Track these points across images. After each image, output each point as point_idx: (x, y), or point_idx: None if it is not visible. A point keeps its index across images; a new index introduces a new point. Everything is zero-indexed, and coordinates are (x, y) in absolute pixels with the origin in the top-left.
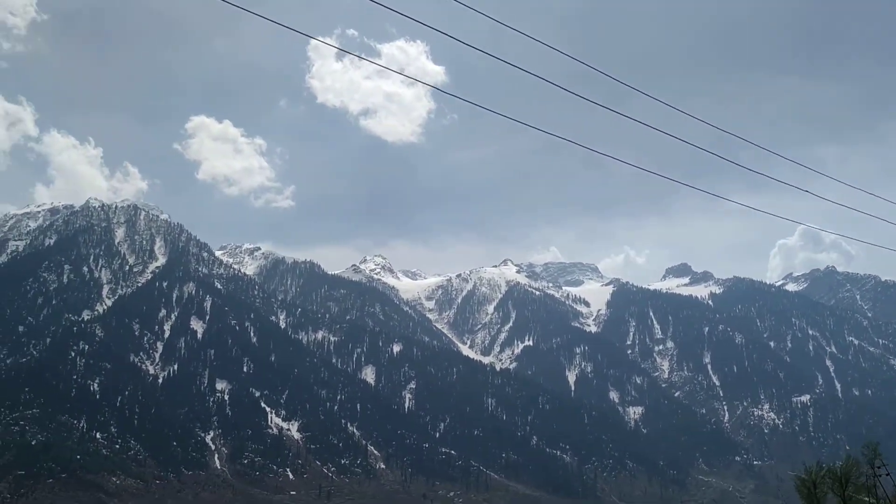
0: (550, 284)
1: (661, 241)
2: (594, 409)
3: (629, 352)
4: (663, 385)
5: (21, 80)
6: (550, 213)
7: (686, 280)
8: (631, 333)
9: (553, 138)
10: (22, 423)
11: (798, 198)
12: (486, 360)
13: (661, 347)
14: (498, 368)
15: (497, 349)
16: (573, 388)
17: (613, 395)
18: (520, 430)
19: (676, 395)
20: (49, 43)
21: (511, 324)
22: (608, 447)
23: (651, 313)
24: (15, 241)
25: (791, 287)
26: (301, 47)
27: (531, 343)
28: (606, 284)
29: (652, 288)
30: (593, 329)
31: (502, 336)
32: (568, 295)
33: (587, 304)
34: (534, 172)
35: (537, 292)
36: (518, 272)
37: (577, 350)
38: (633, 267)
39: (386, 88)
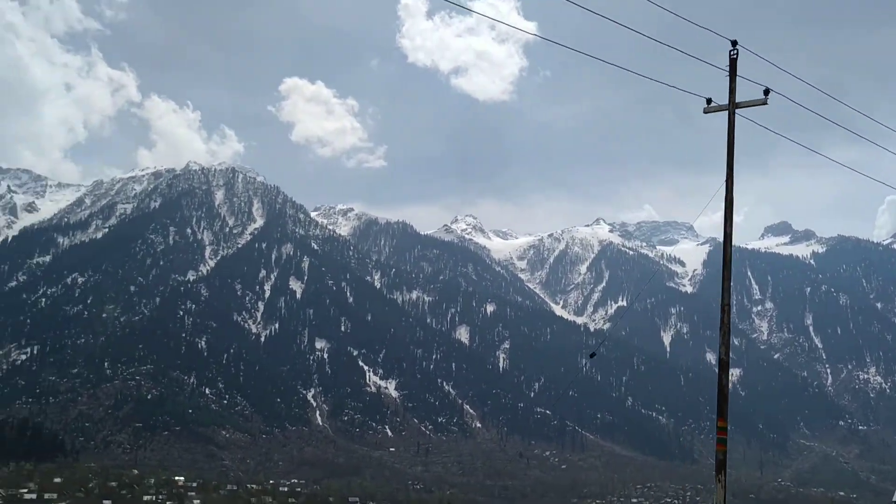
0: (644, 244)
1: (760, 198)
2: (690, 370)
3: None
4: (762, 347)
5: (123, 46)
6: (644, 170)
7: (786, 239)
8: None
9: (647, 93)
10: (138, 378)
11: None
12: (578, 320)
13: (759, 308)
14: (591, 329)
15: (590, 309)
16: (668, 350)
17: (710, 357)
18: (614, 390)
19: (776, 357)
20: (149, 9)
21: (604, 284)
22: (705, 409)
23: (749, 273)
24: (123, 204)
25: None
26: (391, 6)
27: (624, 303)
28: (702, 244)
29: (750, 247)
30: (689, 289)
31: (595, 296)
32: (662, 254)
33: (682, 264)
34: (627, 129)
35: (631, 252)
36: (611, 231)
37: (673, 311)
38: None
39: (477, 46)
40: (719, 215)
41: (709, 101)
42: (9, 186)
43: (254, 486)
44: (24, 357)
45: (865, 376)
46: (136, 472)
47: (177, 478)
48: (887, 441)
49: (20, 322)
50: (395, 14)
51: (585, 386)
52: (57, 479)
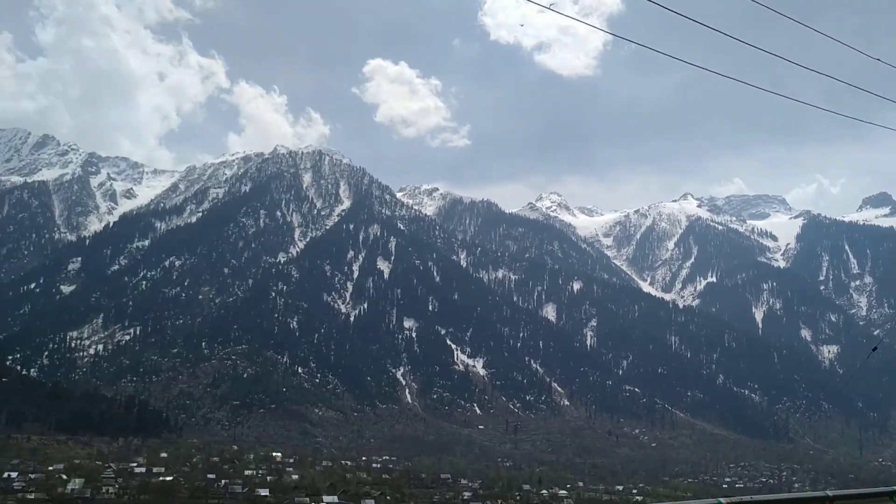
0: (734, 218)
1: (858, 168)
2: (784, 347)
3: (822, 288)
4: (861, 323)
5: (212, 35)
6: (733, 142)
7: (886, 210)
8: (824, 268)
9: (732, 62)
10: (233, 357)
11: None
12: (667, 297)
13: (858, 283)
14: (681, 305)
15: (678, 286)
16: (760, 326)
17: (805, 334)
18: (705, 368)
19: (876, 333)
20: None
21: (692, 260)
22: (800, 387)
23: (846, 247)
24: (215, 188)
25: None
26: None
27: (714, 279)
28: (795, 217)
29: (847, 220)
30: (781, 264)
31: (683, 272)
32: (753, 229)
33: (774, 238)
34: (714, 100)
35: (720, 227)
36: (699, 206)
37: (765, 286)
38: (826, 197)
39: (560, 21)
40: (813, 188)
41: None
42: (108, 174)
43: (347, 462)
44: (127, 338)
45: None
46: (235, 447)
47: (274, 454)
48: None
49: (123, 304)
50: None
51: (675, 364)
52: (163, 454)
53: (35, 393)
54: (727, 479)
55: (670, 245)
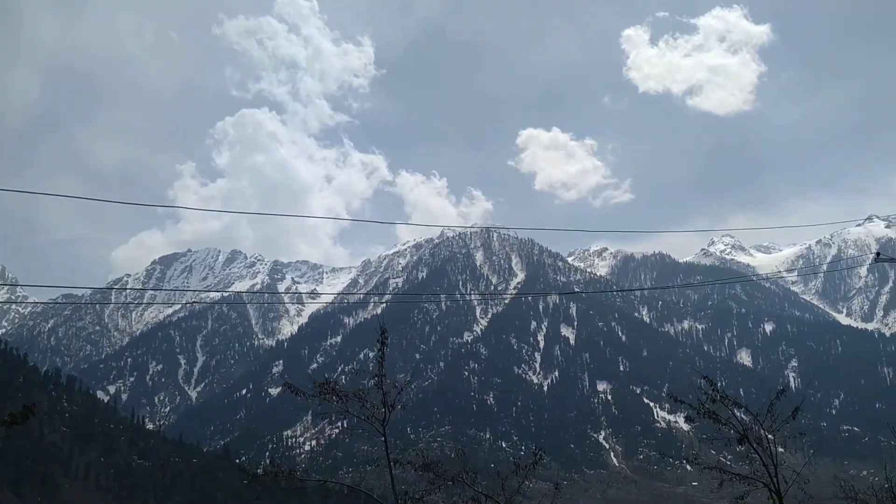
0: None
1: None
2: None
3: None
4: None
5: (371, 132)
6: None
7: None
8: None
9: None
10: (439, 439)
11: None
12: (868, 326)
13: None
14: (887, 334)
15: (880, 314)
16: None
17: None
18: None
19: None
20: (389, 94)
21: (891, 284)
22: None
23: None
24: (394, 279)
25: None
26: (614, 41)
27: None
28: None
29: None
30: None
31: (883, 299)
32: None
33: None
34: (888, 110)
35: None
36: (887, 227)
37: None
38: None
39: (709, 62)
40: None
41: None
42: (293, 279)
43: None
44: (336, 431)
45: None
46: None
47: None
48: None
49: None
50: (619, 47)
51: (892, 396)
52: None
53: (271, 489)
54: None
55: (862, 272)
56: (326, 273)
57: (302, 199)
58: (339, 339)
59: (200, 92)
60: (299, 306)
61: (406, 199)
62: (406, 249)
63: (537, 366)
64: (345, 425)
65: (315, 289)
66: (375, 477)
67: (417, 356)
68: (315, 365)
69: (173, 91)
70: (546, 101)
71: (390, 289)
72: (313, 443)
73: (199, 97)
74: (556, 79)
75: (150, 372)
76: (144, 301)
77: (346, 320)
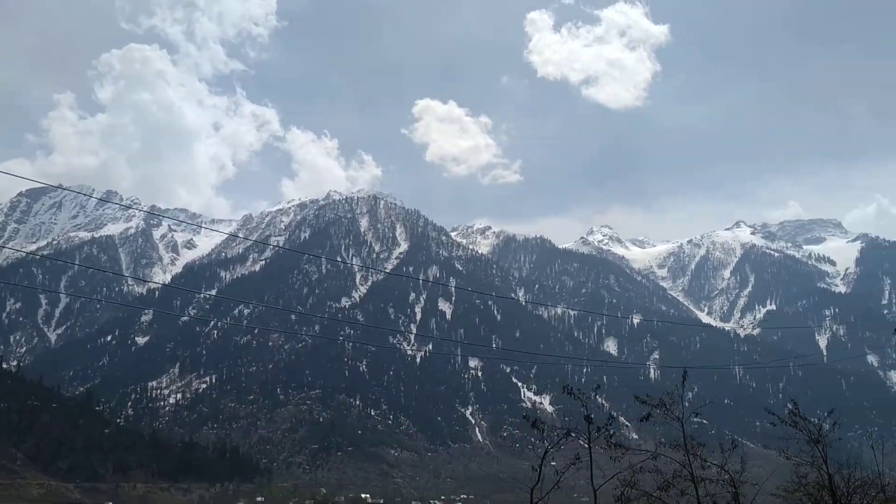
0: (789, 244)
1: None
2: (851, 373)
3: (885, 312)
4: None
5: (265, 84)
6: (785, 165)
7: None
8: (886, 292)
9: (779, 86)
10: (308, 402)
11: None
12: (726, 326)
13: None
14: (742, 335)
15: (737, 315)
16: (825, 353)
17: (872, 359)
18: (771, 397)
19: None
20: (288, 47)
21: (750, 288)
22: (871, 414)
23: None
24: (275, 236)
25: None
26: (518, 22)
27: (774, 307)
28: (853, 240)
29: None
30: (842, 289)
31: (742, 301)
32: (810, 254)
33: (832, 263)
34: (764, 123)
35: (776, 254)
36: (753, 233)
37: (827, 312)
38: (887, 218)
39: (608, 55)
40: (870, 209)
41: None
42: (169, 226)
43: (434, 501)
44: (204, 386)
45: None
46: (324, 490)
47: (364, 495)
48: None
49: (197, 353)
50: (522, 30)
51: (741, 394)
52: (259, 498)
53: (136, 442)
54: None
55: (726, 274)
56: (206, 223)
57: (187, 143)
58: (213, 292)
59: (86, 19)
60: (173, 255)
61: (295, 156)
62: (290, 208)
63: (412, 337)
64: (213, 380)
65: (192, 239)
66: (241, 434)
67: (293, 317)
68: (187, 317)
69: (55, 13)
70: (445, 74)
71: (271, 247)
72: (178, 396)
73: (83, 24)
74: (457, 52)
75: (7, 310)
76: (6, 234)
77: (222, 274)
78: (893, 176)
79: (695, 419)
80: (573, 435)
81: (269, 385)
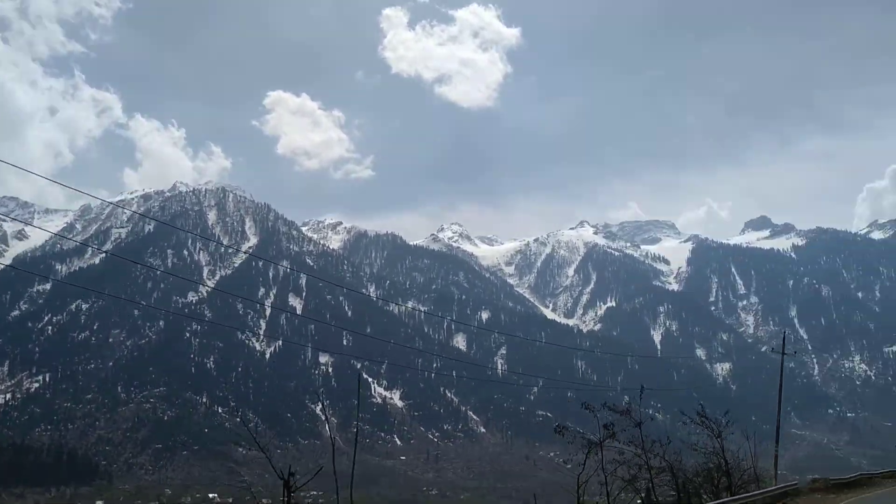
0: (628, 244)
1: (739, 192)
2: (682, 366)
3: (713, 308)
4: (749, 340)
5: (107, 68)
6: (623, 168)
7: (766, 233)
8: (713, 290)
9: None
10: (152, 400)
11: (881, 135)
12: (570, 322)
13: (744, 303)
14: (584, 330)
15: (580, 311)
16: (659, 348)
17: (700, 353)
18: (611, 390)
19: (763, 350)
20: (132, 30)
21: (592, 285)
22: (698, 404)
23: (732, 268)
24: (117, 228)
25: (877, 235)
26: (373, 18)
27: (614, 304)
28: (685, 241)
29: (732, 243)
30: (675, 287)
31: (584, 298)
32: (647, 254)
33: (667, 262)
34: (605, 127)
35: (616, 253)
36: (595, 233)
37: (661, 309)
38: (715, 220)
39: (461, 55)
40: (702, 211)
41: None
42: None
43: (284, 499)
44: (36, 385)
45: (850, 365)
46: (169, 491)
47: (211, 495)
48: (875, 427)
49: (28, 350)
50: (378, 26)
51: (583, 386)
52: (99, 502)
53: None
54: (642, 495)
55: (570, 272)
56: (38, 213)
57: (18, 128)
58: (48, 286)
59: None
60: (2, 246)
61: (139, 144)
62: (133, 199)
63: (262, 333)
64: (46, 379)
65: (23, 229)
66: (78, 436)
67: (136, 312)
68: (17, 312)
69: None
70: (298, 66)
71: (112, 238)
72: (8, 396)
73: None
74: (310, 44)
75: None
76: None
77: (57, 266)
78: (721, 181)
79: (540, 412)
80: (423, 429)
81: (108, 383)
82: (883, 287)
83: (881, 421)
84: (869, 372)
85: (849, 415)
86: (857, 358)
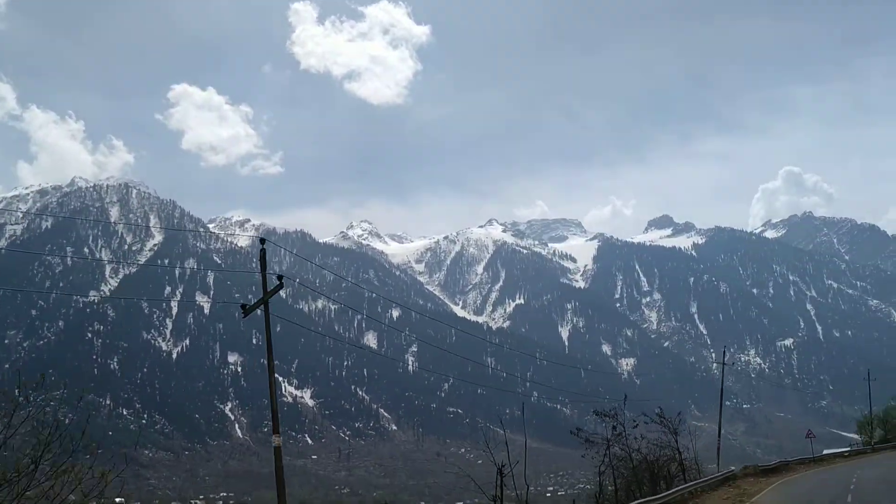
0: (536, 242)
1: (642, 190)
2: (589, 362)
3: (618, 305)
4: (653, 336)
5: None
6: (530, 166)
7: (668, 232)
8: (618, 287)
9: (528, 91)
10: (53, 403)
11: (775, 137)
12: (479, 319)
13: (648, 300)
14: (493, 327)
15: (489, 308)
16: (567, 344)
17: (606, 349)
18: (520, 386)
19: (666, 345)
20: (26, 17)
21: (501, 283)
22: (604, 399)
23: (637, 266)
24: (11, 225)
25: (770, 234)
26: (281, 12)
27: (522, 301)
28: (591, 239)
29: (635, 241)
30: (581, 284)
31: (493, 295)
32: (554, 251)
33: (574, 260)
34: (513, 126)
35: (524, 251)
36: (504, 231)
37: (568, 306)
38: (620, 218)
39: (370, 51)
40: (606, 210)
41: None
42: None
43: (194, 501)
44: None
45: (746, 358)
46: (72, 497)
47: (117, 499)
48: (769, 417)
49: None
50: (286, 20)
51: (492, 383)
52: None
53: None
54: (549, 488)
55: (479, 269)
56: None
57: None
58: None
59: None
60: None
61: (34, 137)
62: (29, 194)
63: (168, 332)
64: None
65: None
66: None
67: (34, 312)
68: None
69: None
70: (204, 59)
71: (7, 234)
72: None
73: None
74: (217, 37)
75: None
76: None
77: None
78: (625, 179)
79: (450, 409)
80: (334, 427)
81: (3, 386)
82: (776, 284)
83: (774, 412)
84: (763, 365)
85: (745, 406)
86: (752, 351)
